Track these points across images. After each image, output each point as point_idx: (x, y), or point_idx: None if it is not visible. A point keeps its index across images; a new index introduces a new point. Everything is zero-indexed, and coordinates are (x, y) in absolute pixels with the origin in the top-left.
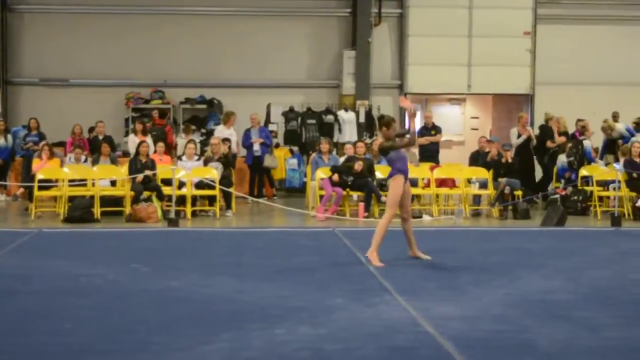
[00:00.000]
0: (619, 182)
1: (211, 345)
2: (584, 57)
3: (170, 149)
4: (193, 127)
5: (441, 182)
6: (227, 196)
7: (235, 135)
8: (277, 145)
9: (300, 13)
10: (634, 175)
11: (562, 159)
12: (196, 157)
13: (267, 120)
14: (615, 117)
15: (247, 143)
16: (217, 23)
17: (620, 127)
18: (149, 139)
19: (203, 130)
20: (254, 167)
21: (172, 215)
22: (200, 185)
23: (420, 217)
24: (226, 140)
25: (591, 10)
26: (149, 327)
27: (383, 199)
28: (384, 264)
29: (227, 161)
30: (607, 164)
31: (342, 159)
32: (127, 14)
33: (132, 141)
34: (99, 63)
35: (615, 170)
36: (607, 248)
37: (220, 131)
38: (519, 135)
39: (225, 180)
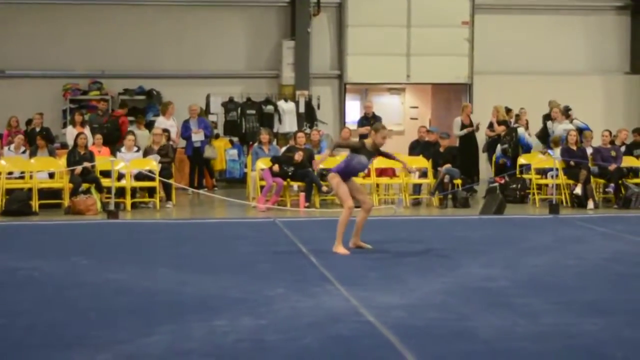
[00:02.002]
0: (557, 170)
1: (151, 337)
2: (521, 46)
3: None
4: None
5: (381, 172)
6: (167, 187)
7: (175, 126)
8: (217, 136)
9: (238, 3)
10: (571, 163)
11: (499, 148)
12: (135, 149)
13: (207, 111)
14: (568, 111)
15: (186, 134)
16: (156, 13)
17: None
18: (87, 131)
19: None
20: (194, 158)
21: (112, 207)
22: (139, 176)
23: (360, 207)
24: (165, 131)
25: (526, 0)
26: (88, 320)
27: (324, 188)
28: (349, 252)
29: (167, 152)
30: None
31: (282, 149)
32: (64, 4)
33: (70, 133)
34: (36, 54)
35: (553, 159)
36: (545, 235)
37: (161, 122)
38: (463, 125)
39: (165, 171)
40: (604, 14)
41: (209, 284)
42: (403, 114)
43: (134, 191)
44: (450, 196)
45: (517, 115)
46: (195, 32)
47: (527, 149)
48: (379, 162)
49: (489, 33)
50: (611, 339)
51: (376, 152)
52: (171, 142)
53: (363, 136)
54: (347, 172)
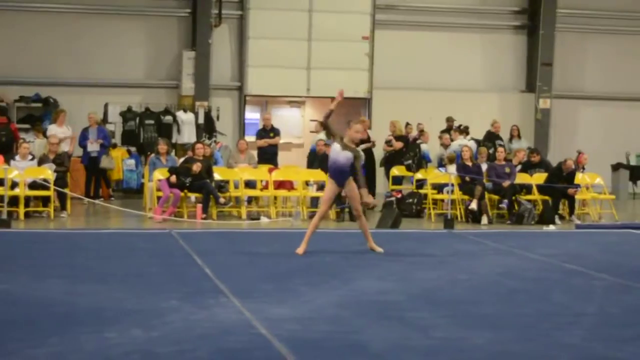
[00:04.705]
0: (453, 185)
1: (40, 349)
2: (420, 63)
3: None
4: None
5: (279, 184)
6: (61, 197)
7: (70, 134)
8: (115, 146)
9: (139, 12)
10: (467, 179)
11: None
12: (30, 157)
13: (105, 120)
14: (465, 130)
15: (83, 142)
16: (54, 20)
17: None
18: None
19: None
20: (90, 167)
21: (4, 216)
22: (34, 185)
23: (258, 219)
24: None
25: (426, 17)
26: None
27: (221, 200)
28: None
29: (63, 161)
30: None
31: (180, 160)
32: None
33: None
34: None
35: (449, 174)
36: (439, 250)
37: (53, 130)
38: (361, 140)
39: (60, 180)
40: (502, 33)
41: (102, 295)
42: (303, 127)
43: (27, 200)
44: (347, 210)
45: (422, 131)
46: (94, 40)
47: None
48: (276, 175)
49: (388, 49)
50: (500, 353)
51: (349, 149)
52: (66, 151)
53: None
54: (330, 167)
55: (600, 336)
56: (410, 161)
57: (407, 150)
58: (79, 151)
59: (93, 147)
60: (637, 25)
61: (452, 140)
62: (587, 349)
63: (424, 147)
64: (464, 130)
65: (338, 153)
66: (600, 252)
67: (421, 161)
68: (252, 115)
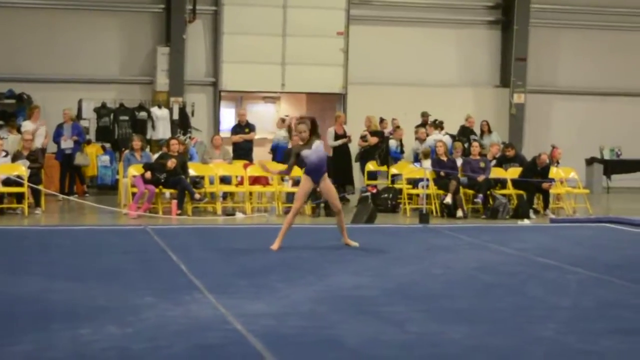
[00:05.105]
0: (428, 180)
1: (14, 346)
2: (395, 58)
3: None
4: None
5: (254, 180)
6: (36, 193)
7: (44, 130)
8: (89, 142)
9: (113, 8)
10: (442, 173)
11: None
12: (4, 154)
13: (79, 117)
14: (440, 125)
15: (57, 139)
16: (27, 16)
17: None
18: None
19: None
20: (65, 164)
21: None
22: (7, 182)
23: (234, 214)
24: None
25: (400, 12)
26: None
27: (196, 196)
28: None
29: (37, 158)
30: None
31: (155, 156)
32: None
33: None
34: None
35: (424, 169)
36: (414, 244)
37: (27, 126)
38: (337, 135)
39: (34, 177)
40: (476, 28)
41: (76, 291)
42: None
43: (1, 197)
44: (322, 205)
45: (398, 127)
46: (68, 36)
47: (397, 159)
48: (251, 171)
49: (363, 44)
50: (475, 347)
51: (306, 146)
52: (40, 147)
53: None
54: (310, 170)
55: (575, 329)
56: (376, 155)
57: (382, 146)
58: (53, 147)
59: (67, 143)
60: (610, 20)
61: (427, 135)
62: (562, 342)
63: (392, 142)
64: (439, 125)
65: (308, 155)
66: (575, 246)
67: (387, 157)
68: (227, 110)
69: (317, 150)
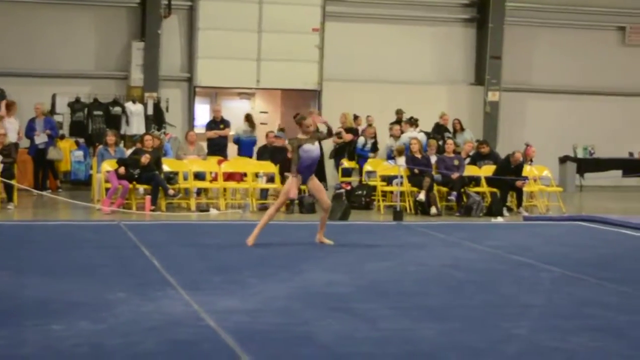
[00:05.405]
0: (402, 177)
1: None
2: (370, 55)
3: None
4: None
5: (229, 176)
6: (8, 188)
7: (17, 125)
8: (63, 137)
9: (87, 2)
10: (416, 171)
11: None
12: None
13: (52, 111)
14: (415, 122)
15: (30, 134)
16: (1, 10)
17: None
18: None
19: None
20: (38, 159)
21: None
22: None
23: (207, 210)
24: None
25: (376, 9)
26: None
27: (170, 192)
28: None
29: (10, 153)
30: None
31: (129, 152)
32: None
33: None
34: None
35: (398, 166)
36: (388, 241)
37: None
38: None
39: (7, 172)
40: (451, 26)
41: (48, 287)
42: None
43: None
44: (296, 202)
45: (370, 125)
46: (43, 30)
47: (364, 157)
48: (226, 167)
49: (339, 40)
50: (447, 344)
51: (315, 138)
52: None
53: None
54: (304, 168)
55: (547, 327)
56: (346, 153)
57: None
58: (26, 142)
59: (41, 138)
60: (584, 20)
61: (402, 132)
62: (534, 340)
63: (360, 140)
64: (414, 123)
65: (310, 150)
66: (548, 244)
67: (353, 154)
68: (202, 106)
69: (315, 146)
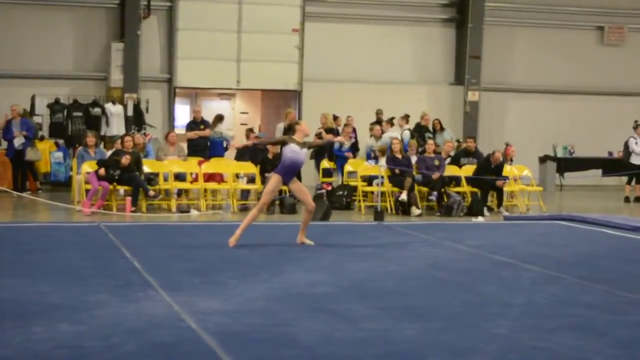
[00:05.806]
0: (383, 177)
1: None
2: (350, 55)
3: None
4: None
5: (209, 177)
6: None
7: None
8: (42, 138)
9: (67, 3)
10: (396, 171)
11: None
12: None
13: (32, 112)
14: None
15: (7, 136)
16: None
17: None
18: None
19: None
20: (16, 160)
21: None
22: None
23: (188, 211)
24: None
25: (355, 10)
26: None
27: (151, 193)
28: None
29: None
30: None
31: (109, 153)
32: None
33: None
34: None
35: (379, 167)
36: (369, 242)
37: None
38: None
39: None
40: (431, 26)
41: (28, 289)
42: (233, 120)
43: None
44: (277, 202)
45: (346, 125)
46: (21, 30)
47: (343, 159)
48: (206, 167)
49: (318, 41)
50: (429, 344)
51: (306, 145)
52: None
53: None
54: (286, 167)
55: (527, 326)
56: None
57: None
58: (3, 144)
59: (19, 139)
60: (564, 19)
61: (382, 132)
62: (514, 339)
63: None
64: (404, 118)
65: (298, 153)
66: (528, 244)
67: (331, 154)
68: (182, 107)
69: (303, 151)
